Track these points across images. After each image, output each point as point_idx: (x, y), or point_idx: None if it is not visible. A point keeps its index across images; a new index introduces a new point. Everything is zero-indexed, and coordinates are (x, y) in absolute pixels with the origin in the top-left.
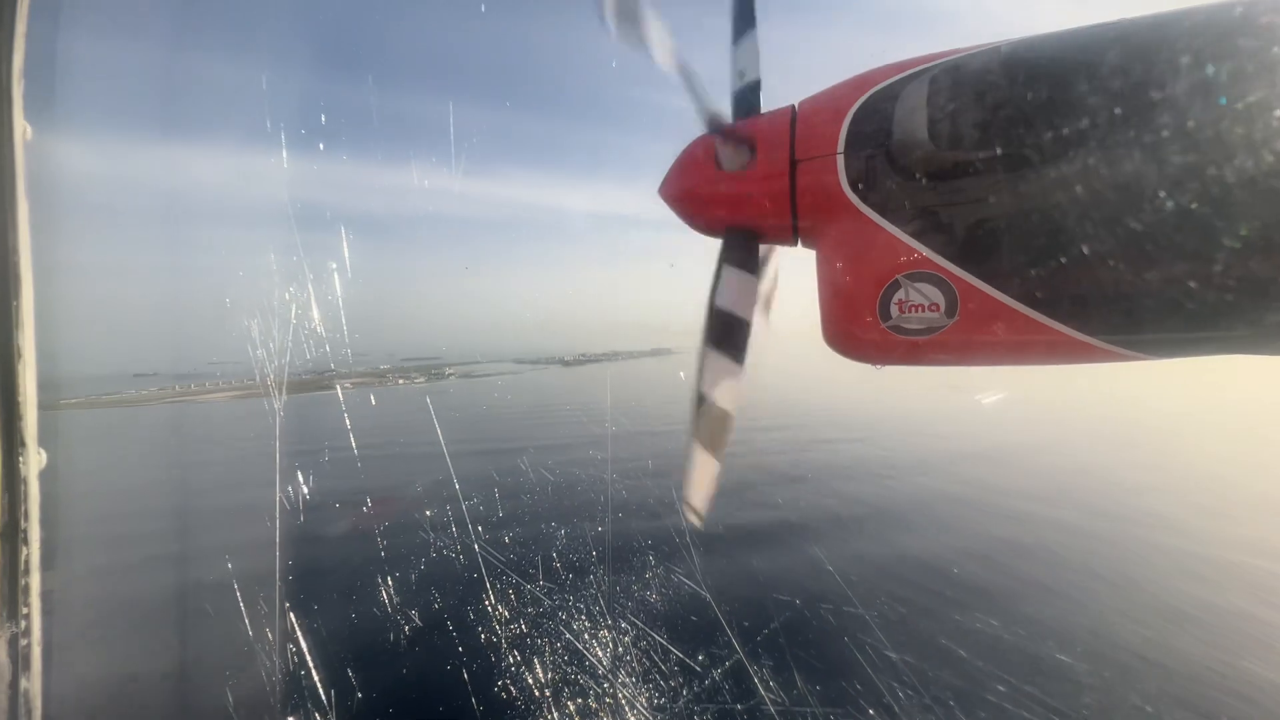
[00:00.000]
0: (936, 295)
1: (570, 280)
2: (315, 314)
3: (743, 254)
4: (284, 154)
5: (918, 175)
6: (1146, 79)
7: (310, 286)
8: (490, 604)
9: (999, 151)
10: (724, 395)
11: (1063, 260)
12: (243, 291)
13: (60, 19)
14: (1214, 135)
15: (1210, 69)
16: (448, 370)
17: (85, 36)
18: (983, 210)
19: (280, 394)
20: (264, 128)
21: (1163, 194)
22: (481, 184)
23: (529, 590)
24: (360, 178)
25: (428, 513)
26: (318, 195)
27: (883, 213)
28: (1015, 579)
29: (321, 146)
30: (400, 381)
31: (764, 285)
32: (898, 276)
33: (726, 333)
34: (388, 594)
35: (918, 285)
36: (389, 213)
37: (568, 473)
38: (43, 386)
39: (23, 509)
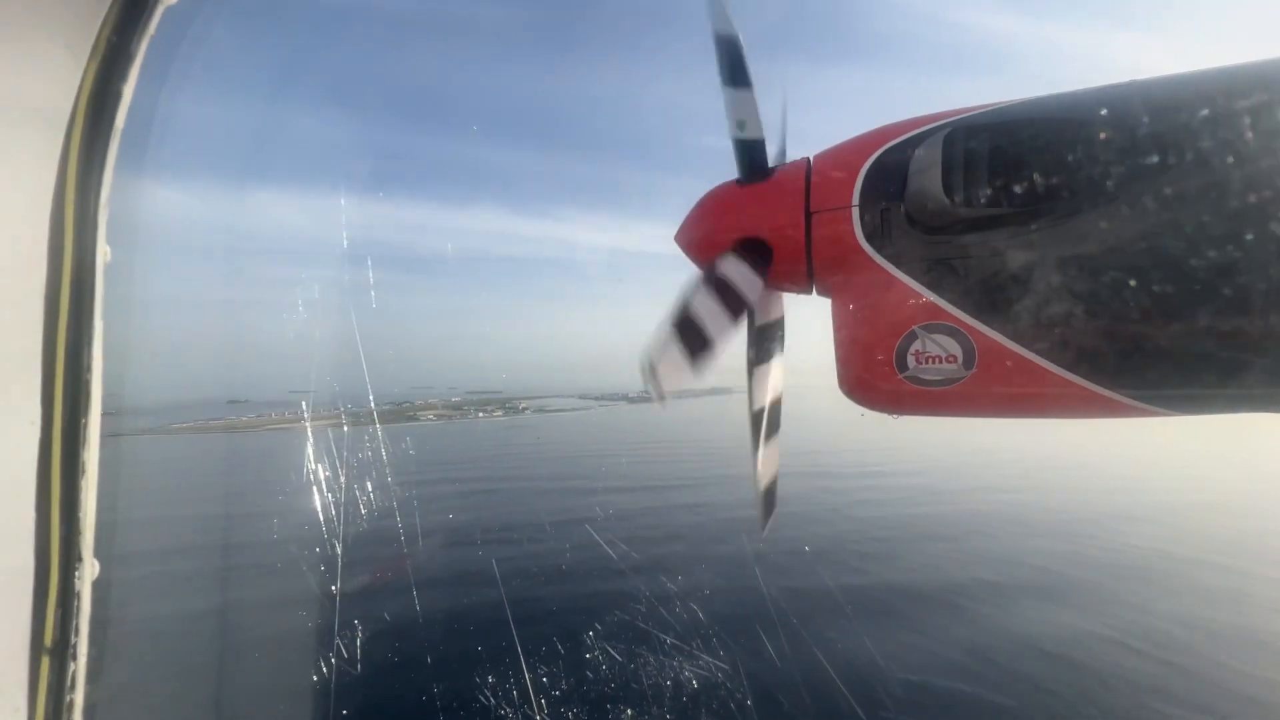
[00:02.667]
0: (954, 347)
1: (625, 317)
2: (385, 348)
3: (751, 257)
4: (349, 198)
5: (932, 229)
6: (1162, 135)
7: (379, 321)
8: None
9: (1012, 207)
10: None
11: (1080, 314)
12: (317, 326)
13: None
14: (1236, 190)
15: (1229, 125)
16: (521, 405)
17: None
18: (998, 264)
19: (376, 424)
20: (336, 174)
21: (1182, 249)
22: (540, 225)
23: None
24: (424, 219)
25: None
26: (382, 236)
27: (898, 265)
28: None
29: (385, 191)
30: (479, 415)
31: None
32: (914, 328)
33: (723, 296)
34: None
35: (935, 337)
36: (449, 252)
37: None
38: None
39: (74, 624)
